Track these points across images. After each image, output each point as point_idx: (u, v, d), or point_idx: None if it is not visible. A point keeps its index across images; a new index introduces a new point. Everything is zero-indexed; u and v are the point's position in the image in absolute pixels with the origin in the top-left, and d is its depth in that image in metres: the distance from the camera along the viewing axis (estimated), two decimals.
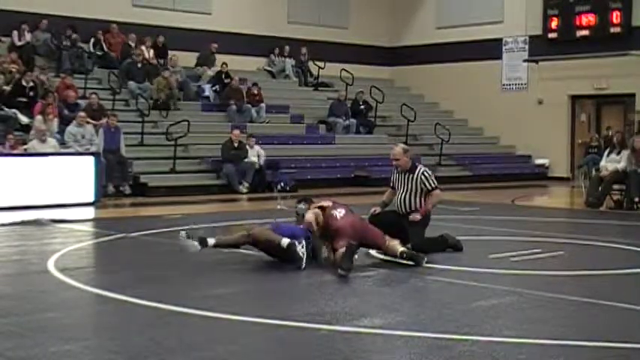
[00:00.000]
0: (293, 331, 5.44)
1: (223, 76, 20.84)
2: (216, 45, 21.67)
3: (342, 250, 7.56)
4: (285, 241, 7.69)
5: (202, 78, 21.24)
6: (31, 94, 16.76)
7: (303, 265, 7.60)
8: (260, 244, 8.03)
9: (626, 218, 13.14)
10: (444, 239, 8.87)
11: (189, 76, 20.96)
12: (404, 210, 8.83)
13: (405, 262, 7.86)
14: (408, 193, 8.81)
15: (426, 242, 8.73)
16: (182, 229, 8.28)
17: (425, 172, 8.83)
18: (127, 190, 15.93)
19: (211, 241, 7.98)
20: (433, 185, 8.80)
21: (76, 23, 19.83)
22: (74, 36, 19.50)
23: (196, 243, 7.87)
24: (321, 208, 8.26)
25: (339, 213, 8.14)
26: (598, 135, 20.86)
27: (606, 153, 15.11)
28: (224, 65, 21.02)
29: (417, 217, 8.66)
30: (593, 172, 15.54)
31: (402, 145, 9.20)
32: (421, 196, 8.81)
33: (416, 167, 8.89)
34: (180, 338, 5.18)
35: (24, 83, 16.77)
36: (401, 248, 8.00)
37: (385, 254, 8.23)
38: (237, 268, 7.93)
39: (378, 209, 9.06)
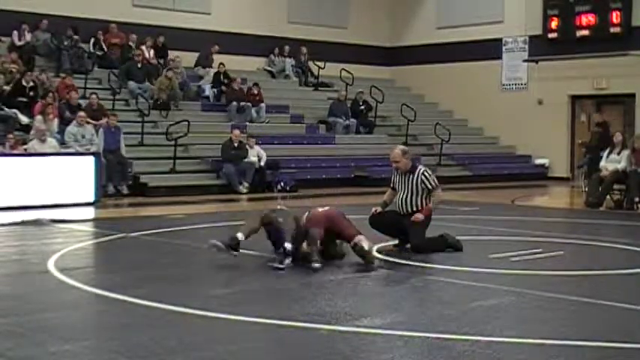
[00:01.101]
0: (293, 331, 5.44)
1: (221, 77, 20.85)
2: (217, 47, 21.65)
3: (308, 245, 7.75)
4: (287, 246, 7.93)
5: (205, 79, 21.21)
6: (31, 94, 16.75)
7: (283, 265, 7.66)
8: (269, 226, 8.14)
9: (626, 218, 13.14)
10: (444, 239, 8.88)
11: (189, 76, 20.96)
12: (405, 210, 8.87)
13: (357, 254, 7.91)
14: (409, 194, 8.85)
15: (426, 243, 8.75)
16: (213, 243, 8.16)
17: (425, 173, 8.90)
18: (125, 190, 15.90)
19: (240, 236, 8.02)
20: (434, 184, 8.89)
21: (76, 23, 19.82)
22: (75, 36, 19.51)
23: (234, 252, 7.95)
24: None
25: (323, 208, 8.40)
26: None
27: (606, 153, 15.11)
28: (221, 66, 21.03)
29: (419, 217, 8.70)
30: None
31: (401, 147, 9.24)
32: (422, 196, 8.86)
33: (416, 168, 8.94)
34: (180, 338, 5.18)
35: (24, 83, 16.77)
36: (361, 243, 7.95)
37: (353, 249, 8.12)
38: (237, 268, 7.94)
39: (379, 209, 9.10)
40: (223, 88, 20.73)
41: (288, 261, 7.79)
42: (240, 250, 8.32)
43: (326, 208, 8.42)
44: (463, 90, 24.47)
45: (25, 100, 16.59)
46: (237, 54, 22.55)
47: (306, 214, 8.36)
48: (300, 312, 5.95)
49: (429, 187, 8.82)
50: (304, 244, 8.02)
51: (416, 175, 8.84)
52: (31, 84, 16.89)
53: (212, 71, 21.29)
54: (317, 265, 7.61)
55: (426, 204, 8.90)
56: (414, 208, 8.83)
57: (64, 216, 12.12)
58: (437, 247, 8.77)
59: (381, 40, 26.45)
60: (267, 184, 17.46)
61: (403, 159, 8.93)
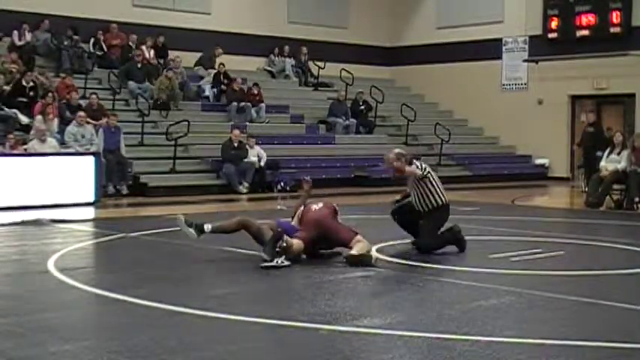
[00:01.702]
0: (293, 331, 5.44)
1: (221, 78, 20.85)
2: (221, 50, 21.65)
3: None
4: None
5: (205, 79, 21.20)
6: (31, 94, 16.73)
7: (268, 262, 7.62)
8: (250, 230, 8.21)
9: (626, 218, 13.14)
10: (452, 232, 8.81)
11: (189, 76, 20.96)
12: (421, 210, 8.79)
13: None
14: (417, 196, 8.74)
15: (434, 242, 8.70)
16: (181, 215, 8.37)
17: (417, 163, 8.74)
18: (125, 190, 15.91)
19: (208, 227, 8.13)
20: (422, 172, 8.69)
21: (76, 23, 19.81)
22: (75, 36, 19.51)
23: (193, 231, 8.06)
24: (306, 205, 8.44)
25: (317, 206, 8.30)
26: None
27: (606, 153, 15.11)
28: (221, 66, 21.02)
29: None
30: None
31: (396, 151, 8.85)
32: (429, 194, 8.72)
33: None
34: (180, 338, 5.17)
35: (24, 83, 16.75)
36: (352, 252, 7.90)
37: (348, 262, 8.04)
38: (237, 268, 7.93)
39: (399, 197, 9.05)
40: (223, 87, 20.72)
41: (280, 260, 7.71)
42: (240, 251, 8.34)
43: (320, 205, 8.33)
44: (463, 90, 24.47)
45: (25, 100, 16.58)
46: (237, 54, 22.54)
47: (300, 209, 8.33)
48: (300, 312, 5.95)
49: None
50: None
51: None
52: (31, 84, 16.88)
53: (213, 72, 21.28)
54: (265, 258, 7.61)
55: (436, 201, 8.70)
56: (427, 208, 8.73)
57: (64, 216, 12.12)
58: (445, 242, 8.75)
59: (381, 40, 26.45)
60: (267, 184, 17.46)
61: (396, 163, 8.61)
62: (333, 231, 8.08)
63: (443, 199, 8.80)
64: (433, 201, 8.75)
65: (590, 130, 18.34)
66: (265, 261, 7.62)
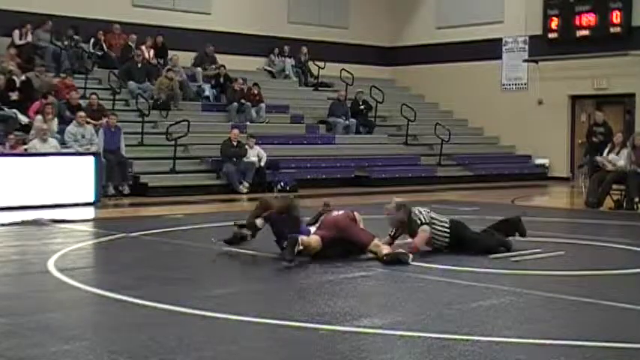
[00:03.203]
0: (293, 331, 5.44)
1: (222, 80, 20.85)
2: (212, 48, 21.64)
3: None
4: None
5: (198, 78, 21.18)
6: (21, 94, 16.55)
7: (289, 264, 7.72)
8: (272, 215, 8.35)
9: (626, 218, 13.14)
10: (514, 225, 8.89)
11: (190, 76, 20.96)
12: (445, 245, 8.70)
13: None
14: (435, 239, 8.61)
15: (487, 244, 8.69)
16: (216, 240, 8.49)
17: (415, 214, 8.50)
18: (126, 190, 15.92)
19: (245, 231, 8.42)
20: (423, 220, 8.49)
21: (75, 23, 19.82)
22: (75, 36, 19.50)
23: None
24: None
25: (337, 212, 8.45)
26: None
27: (606, 152, 15.10)
28: (222, 68, 21.02)
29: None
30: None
31: (396, 200, 8.58)
32: (440, 233, 8.60)
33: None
34: (180, 338, 5.18)
35: (14, 78, 16.66)
36: (385, 251, 8.03)
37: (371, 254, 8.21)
38: (237, 268, 7.94)
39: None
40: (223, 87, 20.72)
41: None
42: (240, 251, 8.35)
43: (341, 212, 8.43)
44: (463, 90, 24.47)
45: (16, 97, 16.42)
46: (237, 54, 22.55)
47: (322, 217, 8.39)
48: (300, 312, 5.95)
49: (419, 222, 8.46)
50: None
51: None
52: (23, 78, 16.79)
53: (211, 71, 21.26)
54: (285, 263, 7.69)
55: (447, 233, 8.58)
56: (447, 242, 8.66)
57: (64, 216, 12.12)
58: (500, 242, 8.80)
59: (381, 40, 26.44)
60: (268, 184, 17.47)
61: (397, 214, 8.40)
62: (350, 232, 8.20)
63: (446, 231, 8.60)
64: (446, 235, 8.60)
65: (601, 131, 18.22)
66: (287, 260, 7.70)
